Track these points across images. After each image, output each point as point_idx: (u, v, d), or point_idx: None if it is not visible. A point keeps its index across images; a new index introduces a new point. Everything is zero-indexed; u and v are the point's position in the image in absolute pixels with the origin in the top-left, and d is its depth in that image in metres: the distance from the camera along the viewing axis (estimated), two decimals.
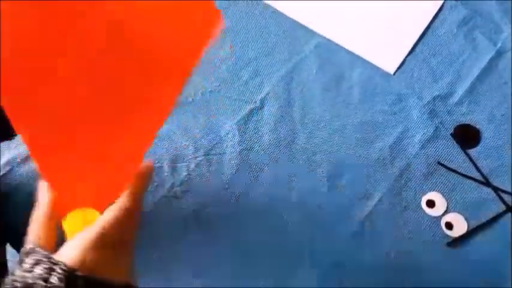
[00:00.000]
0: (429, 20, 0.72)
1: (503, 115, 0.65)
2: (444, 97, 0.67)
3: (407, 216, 0.60)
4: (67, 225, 0.38)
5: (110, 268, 0.35)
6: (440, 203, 0.60)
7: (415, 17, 0.72)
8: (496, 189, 0.61)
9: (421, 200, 0.61)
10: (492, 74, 0.68)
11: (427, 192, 0.61)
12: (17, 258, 0.53)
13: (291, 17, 0.73)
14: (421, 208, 0.60)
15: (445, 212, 0.60)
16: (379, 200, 0.60)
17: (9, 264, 0.54)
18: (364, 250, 0.58)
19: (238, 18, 0.73)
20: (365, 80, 0.68)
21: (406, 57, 0.70)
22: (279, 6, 0.73)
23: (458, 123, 0.65)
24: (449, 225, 0.59)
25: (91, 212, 0.39)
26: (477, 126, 0.65)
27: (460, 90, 0.67)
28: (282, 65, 0.69)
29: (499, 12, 0.72)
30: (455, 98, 0.67)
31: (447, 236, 0.59)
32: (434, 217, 0.60)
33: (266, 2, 0.74)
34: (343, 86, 0.68)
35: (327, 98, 0.67)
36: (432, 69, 0.69)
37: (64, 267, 0.33)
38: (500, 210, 0.60)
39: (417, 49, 0.70)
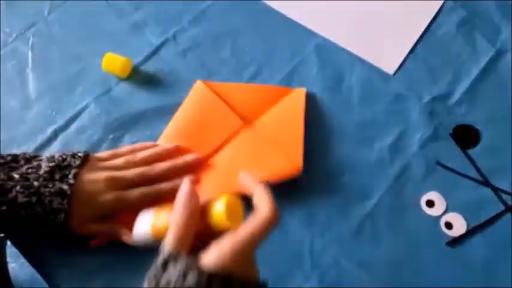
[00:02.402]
0: (428, 21, 0.72)
1: (503, 115, 0.66)
2: (443, 97, 0.67)
3: (406, 216, 0.60)
4: (226, 209, 0.41)
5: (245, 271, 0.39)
6: (440, 203, 0.61)
7: (414, 18, 0.73)
8: (495, 189, 0.61)
9: (420, 200, 0.61)
10: (491, 75, 0.68)
11: (426, 192, 0.61)
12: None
13: (290, 17, 0.73)
14: (421, 208, 0.60)
15: (445, 212, 0.60)
16: (379, 200, 0.61)
17: (11, 266, 0.54)
18: (364, 250, 0.58)
19: (239, 19, 0.73)
20: (365, 81, 0.68)
21: (406, 57, 0.70)
22: (279, 7, 0.74)
23: (457, 124, 0.65)
24: (448, 225, 0.59)
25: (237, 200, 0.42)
26: (476, 127, 0.65)
27: (460, 91, 0.68)
28: (283, 65, 0.70)
29: (498, 13, 0.73)
30: (455, 98, 0.67)
31: (447, 235, 0.59)
32: (434, 217, 0.60)
33: (266, 2, 0.74)
34: (343, 86, 0.68)
35: (327, 98, 0.67)
36: (432, 70, 0.69)
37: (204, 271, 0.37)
38: (500, 210, 0.60)
39: (417, 50, 0.71)
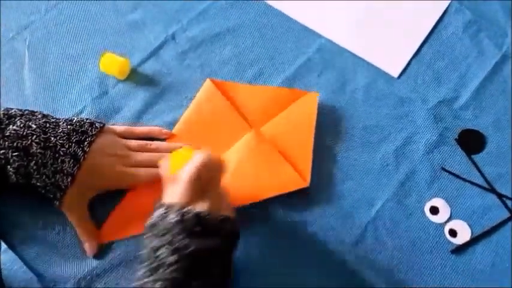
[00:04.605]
0: (434, 23, 0.71)
1: (509, 120, 0.64)
2: (449, 101, 0.66)
3: (410, 223, 0.59)
4: (171, 161, 0.51)
5: (211, 205, 0.47)
6: (444, 210, 0.60)
7: (419, 20, 0.71)
8: (500, 196, 0.60)
9: (424, 207, 0.60)
10: (497, 78, 0.67)
11: (430, 198, 0.60)
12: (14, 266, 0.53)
13: (294, 18, 0.72)
14: (425, 215, 0.59)
15: (449, 219, 0.59)
16: (383, 206, 0.60)
17: (4, 273, 0.53)
18: (367, 256, 0.57)
19: (241, 20, 0.72)
20: (369, 84, 0.67)
21: (411, 60, 0.69)
22: (282, 8, 0.72)
23: (463, 128, 0.64)
24: (453, 233, 0.58)
25: (188, 152, 0.51)
26: (482, 132, 0.64)
27: (465, 95, 0.66)
28: (285, 67, 0.68)
29: (504, 16, 0.71)
30: (461, 102, 0.66)
31: (451, 243, 0.58)
32: (438, 224, 0.59)
33: (269, 3, 0.73)
34: (347, 89, 0.67)
35: (330, 101, 0.66)
36: (437, 73, 0.68)
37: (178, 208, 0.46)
38: (505, 217, 0.59)
39: (422, 52, 0.69)
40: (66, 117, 0.58)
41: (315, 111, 0.64)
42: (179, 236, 0.44)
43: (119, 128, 0.61)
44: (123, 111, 0.65)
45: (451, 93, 0.67)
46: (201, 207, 0.46)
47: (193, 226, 0.45)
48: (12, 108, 0.56)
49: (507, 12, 0.71)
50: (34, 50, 0.69)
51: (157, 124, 0.64)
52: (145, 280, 0.44)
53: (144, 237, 0.47)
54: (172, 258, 0.43)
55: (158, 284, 0.43)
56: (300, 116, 0.63)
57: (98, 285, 0.55)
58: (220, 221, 0.46)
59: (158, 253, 0.44)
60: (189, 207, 0.46)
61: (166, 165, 0.52)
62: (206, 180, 0.48)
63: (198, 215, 0.45)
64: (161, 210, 0.46)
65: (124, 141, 0.60)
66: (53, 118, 0.57)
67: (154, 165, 0.58)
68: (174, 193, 0.48)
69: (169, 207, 0.46)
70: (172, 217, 0.45)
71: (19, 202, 0.58)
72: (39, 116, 0.56)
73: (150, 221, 0.47)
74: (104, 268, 0.56)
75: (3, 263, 0.54)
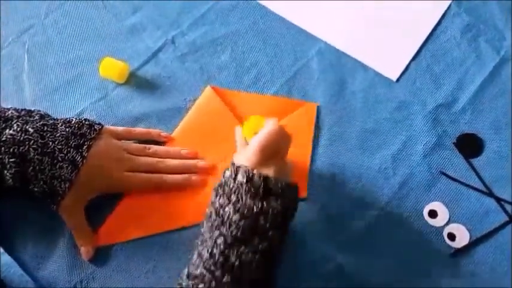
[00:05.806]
0: (432, 27, 0.71)
1: (507, 124, 0.65)
2: (447, 105, 0.66)
3: (409, 227, 0.59)
4: (244, 127, 0.58)
5: (277, 171, 0.50)
6: (443, 213, 0.60)
7: (417, 24, 0.71)
8: (498, 200, 0.61)
9: (423, 210, 0.60)
10: (496, 82, 0.67)
11: (429, 202, 0.60)
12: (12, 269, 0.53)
13: (293, 22, 0.72)
14: (423, 218, 0.59)
15: (448, 223, 0.59)
16: (381, 210, 0.60)
17: (3, 275, 0.53)
18: (365, 260, 0.57)
19: (241, 24, 0.72)
20: (367, 87, 0.67)
21: (409, 64, 0.69)
22: (281, 11, 0.73)
23: (461, 132, 0.64)
24: (451, 236, 0.58)
25: (261, 119, 0.56)
26: (480, 136, 0.64)
27: (464, 99, 0.67)
28: (284, 70, 0.69)
29: (502, 20, 0.71)
30: (459, 106, 0.66)
31: (450, 246, 0.58)
32: (437, 227, 0.59)
33: (268, 7, 0.73)
34: (345, 93, 0.67)
35: (329, 105, 0.66)
36: (435, 77, 0.68)
37: (246, 169, 0.48)
38: (503, 221, 0.59)
39: (420, 56, 0.69)
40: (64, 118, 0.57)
41: (313, 122, 0.64)
42: (244, 196, 0.47)
43: (118, 129, 0.61)
44: (122, 114, 0.65)
45: (450, 97, 0.67)
46: (266, 171, 0.49)
47: (258, 188, 0.47)
48: (8, 109, 0.55)
49: (505, 16, 0.71)
50: (33, 53, 0.70)
51: (156, 127, 0.64)
52: (207, 235, 0.47)
53: (212, 199, 0.49)
54: (235, 217, 0.46)
55: (219, 240, 0.45)
56: (298, 127, 0.64)
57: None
58: (283, 186, 0.49)
59: (222, 211, 0.47)
60: (256, 170, 0.48)
61: (239, 131, 0.58)
62: (274, 148, 0.51)
63: (263, 178, 0.48)
64: (230, 171, 0.49)
65: (123, 145, 0.60)
66: (51, 119, 0.56)
67: (152, 169, 0.59)
68: (243, 157, 0.51)
69: (238, 168, 0.49)
70: (240, 178, 0.48)
71: (16, 206, 0.58)
72: (37, 117, 0.55)
73: (220, 181, 0.50)
74: (100, 272, 0.56)
75: (1, 265, 0.54)
